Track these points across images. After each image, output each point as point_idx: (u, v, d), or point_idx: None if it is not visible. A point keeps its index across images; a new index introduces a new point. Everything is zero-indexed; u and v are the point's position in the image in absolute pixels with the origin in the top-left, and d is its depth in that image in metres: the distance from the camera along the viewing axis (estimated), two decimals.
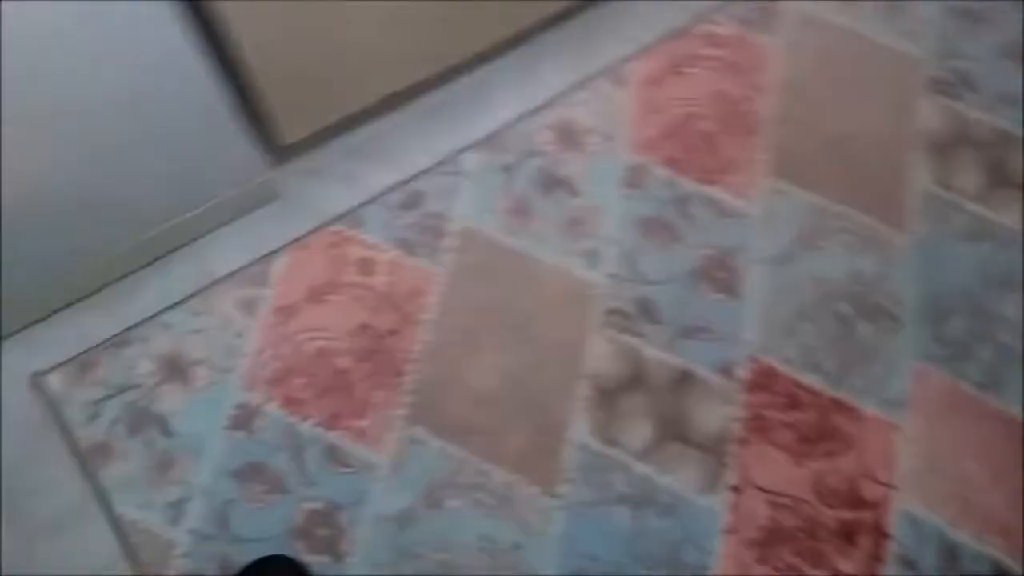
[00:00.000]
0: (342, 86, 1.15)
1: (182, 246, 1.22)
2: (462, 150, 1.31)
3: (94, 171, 1.02)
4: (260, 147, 1.15)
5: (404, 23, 1.10)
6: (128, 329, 1.18)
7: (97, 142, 0.98)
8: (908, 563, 1.12)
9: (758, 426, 1.18)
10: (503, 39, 1.30)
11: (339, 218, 1.27)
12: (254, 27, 0.94)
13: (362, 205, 1.27)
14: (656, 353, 1.21)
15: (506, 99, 1.34)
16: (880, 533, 1.14)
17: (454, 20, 1.17)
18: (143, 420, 1.15)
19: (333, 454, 1.15)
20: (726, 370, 1.21)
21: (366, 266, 1.24)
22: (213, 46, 1.00)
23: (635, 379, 1.20)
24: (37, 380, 1.16)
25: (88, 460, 1.12)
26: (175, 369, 1.17)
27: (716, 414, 1.19)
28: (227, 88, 1.01)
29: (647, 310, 1.24)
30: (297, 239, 1.25)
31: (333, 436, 1.16)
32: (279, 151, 1.24)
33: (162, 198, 1.15)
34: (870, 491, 1.16)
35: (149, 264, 1.21)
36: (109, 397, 1.15)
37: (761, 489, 1.15)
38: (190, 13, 0.94)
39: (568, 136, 1.33)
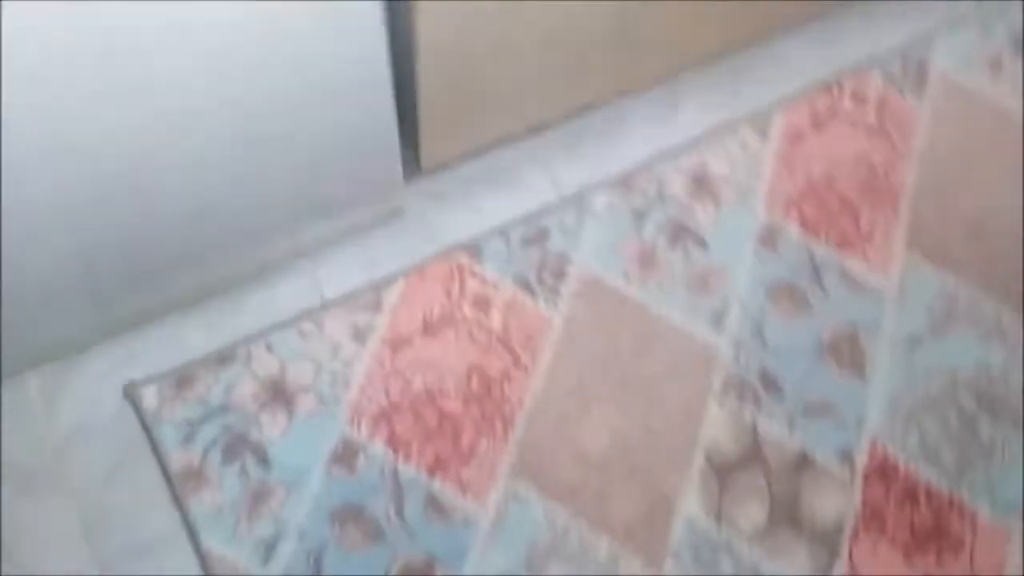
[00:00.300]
0: (494, 112, 1.07)
1: (293, 261, 1.15)
2: (591, 188, 1.23)
3: (214, 169, 0.94)
4: (400, 165, 1.06)
5: (563, 50, 1.02)
6: (231, 346, 1.11)
7: (225, 135, 0.89)
8: None
9: (873, 519, 1.14)
10: (647, 76, 1.22)
11: (459, 247, 1.19)
12: (438, 43, 0.85)
13: (483, 235, 1.20)
14: (776, 430, 1.16)
15: (642, 138, 1.26)
16: None
17: (609, 52, 1.09)
18: (240, 446, 1.08)
19: (434, 503, 1.09)
20: (846, 456, 1.16)
21: (483, 302, 1.17)
22: (392, 54, 0.89)
23: (752, 456, 1.15)
24: (131, 390, 1.08)
25: (178, 484, 1.06)
26: (278, 394, 1.10)
27: (832, 502, 1.14)
28: (391, 100, 0.92)
29: (770, 382, 1.18)
30: (414, 265, 1.17)
31: (435, 484, 1.10)
32: (410, 170, 1.16)
33: (280, 207, 1.07)
34: None
35: (257, 277, 1.14)
36: (206, 418, 1.08)
37: None
38: (386, 13, 0.81)
39: (702, 184, 1.25)
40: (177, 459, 1.06)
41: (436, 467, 1.10)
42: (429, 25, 0.78)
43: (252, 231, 1.08)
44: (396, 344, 1.14)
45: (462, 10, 0.80)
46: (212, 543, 1.04)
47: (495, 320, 1.17)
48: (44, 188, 0.83)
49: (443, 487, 1.10)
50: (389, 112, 0.91)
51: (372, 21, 0.76)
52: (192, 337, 1.11)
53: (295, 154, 0.95)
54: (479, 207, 1.20)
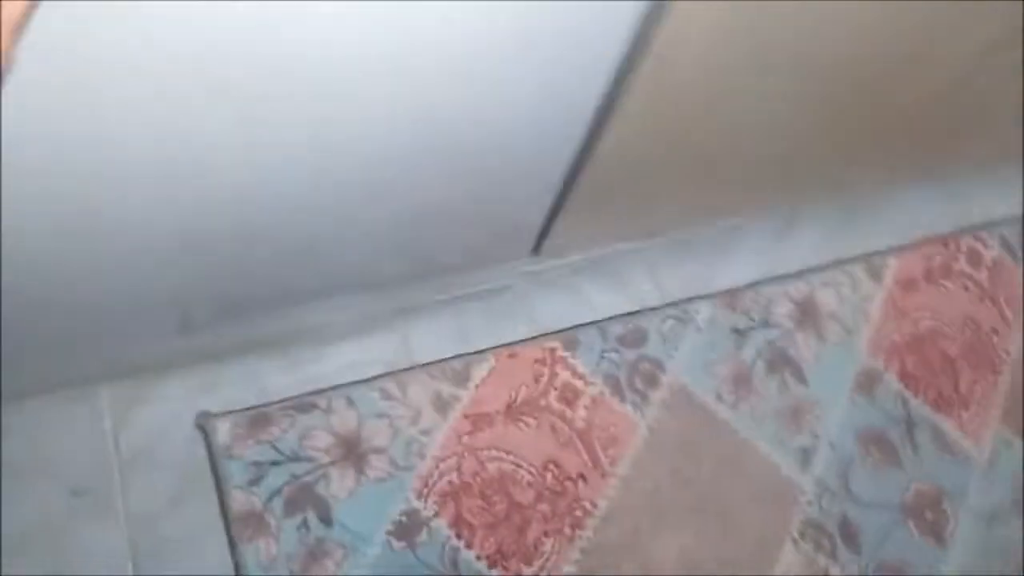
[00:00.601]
0: (633, 211, 1.05)
1: (388, 319, 1.12)
2: (697, 298, 1.21)
3: (332, 214, 0.90)
4: (530, 238, 1.04)
5: (719, 166, 1.01)
6: (311, 394, 1.07)
7: (358, 183, 0.82)
8: None
9: None
10: (770, 198, 1.20)
11: (555, 334, 1.16)
12: (623, 141, 0.82)
13: (581, 327, 1.17)
14: None
15: (752, 257, 1.24)
16: None
17: (749, 169, 1.08)
18: (304, 499, 1.04)
19: None
20: None
21: (569, 395, 1.14)
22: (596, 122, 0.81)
23: None
24: (204, 421, 1.05)
25: (236, 527, 1.01)
26: (351, 452, 1.06)
27: None
28: (557, 186, 0.90)
29: (849, 534, 1.14)
30: (507, 344, 1.14)
31: (494, 575, 1.05)
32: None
33: (390, 264, 1.04)
34: None
35: (348, 329, 1.11)
36: (276, 463, 1.04)
37: None
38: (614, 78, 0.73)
39: (809, 316, 1.23)
40: (239, 500, 1.02)
41: (497, 558, 1.06)
42: (625, 123, 0.77)
43: (354, 283, 1.06)
44: (477, 422, 1.11)
45: (660, 115, 0.78)
46: None
47: (579, 416, 1.13)
48: (150, 202, 0.78)
49: None
50: (549, 196, 0.89)
51: (582, 108, 0.74)
52: (274, 378, 1.08)
53: (430, 215, 0.93)
54: (581, 298, 1.18)
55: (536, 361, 1.15)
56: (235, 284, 0.98)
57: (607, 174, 0.88)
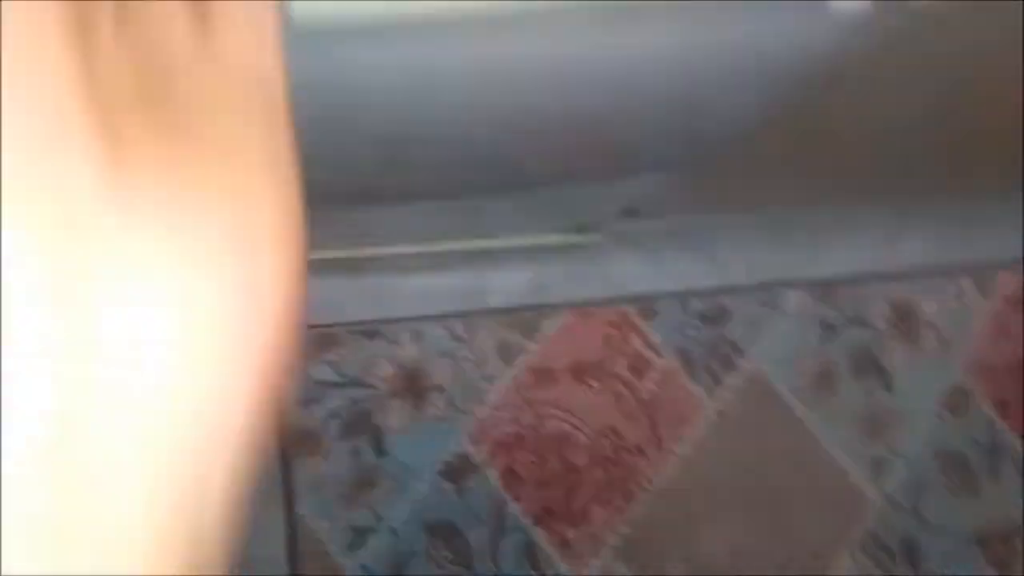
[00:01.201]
0: (744, 180, 1.00)
1: (467, 259, 1.09)
2: (789, 284, 1.15)
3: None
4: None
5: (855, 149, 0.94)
6: (380, 321, 1.06)
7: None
8: None
9: None
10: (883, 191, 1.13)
11: (633, 299, 1.12)
12: None
13: (661, 296, 1.13)
14: None
15: (855, 251, 1.17)
16: None
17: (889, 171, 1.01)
18: (361, 425, 1.03)
19: (530, 553, 1.03)
20: None
21: (639, 365, 1.10)
22: None
23: None
24: None
25: (290, 443, 1.01)
26: (412, 386, 1.05)
27: None
28: None
29: (911, 555, 1.08)
30: (582, 303, 1.11)
31: (537, 533, 1.03)
32: None
33: (479, 198, 1.01)
34: None
35: (426, 263, 1.08)
36: (337, 385, 1.03)
37: None
38: None
39: (906, 321, 1.16)
40: (297, 417, 1.02)
41: (543, 517, 1.04)
42: None
43: (439, 212, 1.03)
44: (541, 376, 1.08)
45: None
46: (306, 511, 0.99)
47: (647, 387, 1.10)
48: None
49: (544, 540, 1.03)
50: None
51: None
52: (344, 300, 1.06)
53: (539, 160, 0.89)
54: (667, 267, 1.13)
55: (610, 324, 1.11)
56: (315, 181, 0.97)
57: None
